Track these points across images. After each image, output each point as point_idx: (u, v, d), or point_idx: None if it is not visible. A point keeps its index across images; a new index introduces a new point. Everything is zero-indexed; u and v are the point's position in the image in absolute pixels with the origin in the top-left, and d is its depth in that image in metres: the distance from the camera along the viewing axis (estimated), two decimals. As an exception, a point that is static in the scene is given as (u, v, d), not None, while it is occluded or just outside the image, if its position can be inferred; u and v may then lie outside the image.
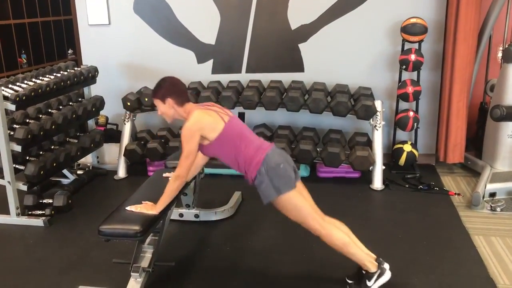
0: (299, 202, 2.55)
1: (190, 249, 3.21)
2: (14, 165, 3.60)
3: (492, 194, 3.76)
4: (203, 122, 2.51)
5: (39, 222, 3.58)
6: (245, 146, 2.54)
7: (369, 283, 2.59)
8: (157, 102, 2.61)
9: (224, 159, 2.62)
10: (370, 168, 4.05)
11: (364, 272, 2.62)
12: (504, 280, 2.75)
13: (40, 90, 3.71)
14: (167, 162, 3.32)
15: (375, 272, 2.59)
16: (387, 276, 2.60)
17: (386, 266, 2.62)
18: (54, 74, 4.14)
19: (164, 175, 3.01)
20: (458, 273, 2.83)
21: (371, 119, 4.12)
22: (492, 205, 3.62)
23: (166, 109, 2.60)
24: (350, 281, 2.69)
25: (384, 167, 4.11)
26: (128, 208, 2.55)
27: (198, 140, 2.50)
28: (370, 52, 4.46)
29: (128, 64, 4.86)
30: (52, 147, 4.04)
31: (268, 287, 2.78)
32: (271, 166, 2.50)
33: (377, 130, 4.12)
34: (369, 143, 4.20)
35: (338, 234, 2.58)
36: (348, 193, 4.01)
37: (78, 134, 4.40)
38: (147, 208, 2.54)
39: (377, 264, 2.61)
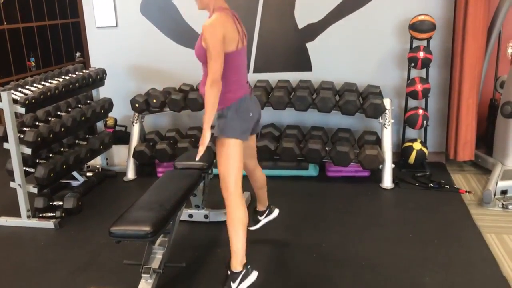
0: (235, 156, 2.55)
1: (200, 250, 3.21)
2: (24, 168, 3.62)
3: (504, 192, 3.72)
4: (227, 27, 2.43)
5: (49, 224, 3.60)
6: (232, 79, 2.53)
7: (233, 285, 2.51)
8: None
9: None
10: (380, 166, 4.03)
11: (229, 272, 2.54)
12: (517, 278, 2.72)
13: (49, 93, 3.73)
14: (176, 163, 3.33)
15: (239, 273, 2.52)
16: (252, 277, 2.56)
17: (254, 274, 2.58)
18: (63, 76, 4.16)
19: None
20: (470, 272, 2.80)
21: (380, 118, 4.10)
22: (504, 202, 3.59)
23: None
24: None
25: (393, 166, 4.09)
26: (198, 158, 2.51)
27: (222, 37, 2.38)
28: (378, 50, 4.44)
29: (136, 66, 4.87)
30: (62, 149, 4.06)
31: (279, 285, 2.77)
32: (241, 109, 2.55)
33: (386, 128, 4.10)
34: (378, 142, 4.18)
35: (242, 212, 2.55)
36: (357, 192, 3.99)
37: (87, 136, 4.41)
38: (203, 141, 2.44)
39: (244, 266, 2.55)
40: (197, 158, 2.51)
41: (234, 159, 2.55)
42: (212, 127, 2.46)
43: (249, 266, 2.57)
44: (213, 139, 2.59)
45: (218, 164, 2.60)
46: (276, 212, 3.23)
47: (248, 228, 2.64)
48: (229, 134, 2.53)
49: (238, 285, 2.51)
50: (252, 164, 2.98)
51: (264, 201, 3.19)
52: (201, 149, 2.47)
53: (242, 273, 2.53)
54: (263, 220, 3.21)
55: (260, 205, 3.20)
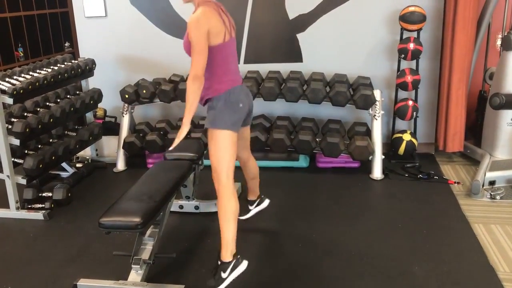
0: (228, 147, 2.55)
1: (191, 241, 3.21)
2: (12, 159, 3.59)
3: (492, 182, 3.76)
4: (212, 20, 2.43)
5: (39, 215, 3.58)
6: (221, 70, 2.54)
7: (223, 275, 2.51)
8: None
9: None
10: (370, 157, 4.05)
11: (219, 262, 2.55)
12: (504, 267, 2.76)
13: (37, 83, 3.70)
14: (167, 154, 3.32)
15: (230, 262, 2.53)
16: (242, 266, 2.57)
17: (244, 264, 2.59)
18: (51, 67, 4.12)
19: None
20: (458, 261, 2.83)
21: (370, 109, 4.11)
22: (492, 193, 3.62)
23: None
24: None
25: (383, 157, 4.11)
26: (171, 148, 2.57)
27: (206, 32, 2.39)
28: (368, 41, 4.44)
29: (126, 56, 4.83)
30: (51, 140, 4.03)
31: (269, 274, 2.79)
32: (231, 100, 2.54)
33: (376, 119, 4.11)
34: (368, 133, 4.20)
35: (233, 203, 2.56)
36: (347, 183, 4.01)
37: (76, 127, 4.38)
38: (180, 134, 2.49)
39: (235, 256, 2.56)
40: (171, 148, 2.58)
41: (225, 151, 2.55)
42: (204, 118, 2.47)
43: (239, 256, 2.58)
44: (205, 130, 2.60)
45: (210, 156, 2.60)
46: (266, 202, 3.26)
47: (239, 217, 2.64)
48: (220, 126, 2.53)
49: (228, 275, 2.52)
50: (245, 155, 3.00)
51: (255, 191, 3.22)
52: (176, 141, 2.51)
53: (232, 263, 2.54)
54: (254, 210, 3.25)
55: (251, 195, 3.23)
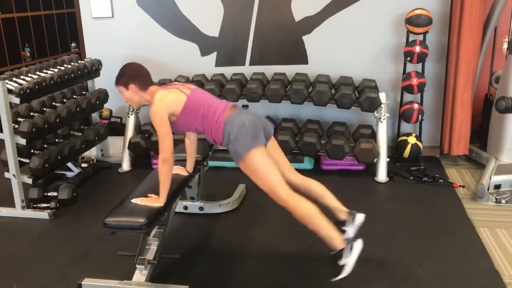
0: (265, 165, 2.50)
1: (195, 242, 3.22)
2: (19, 158, 3.61)
3: (497, 186, 3.75)
4: (167, 100, 2.54)
5: (44, 215, 3.60)
6: (210, 112, 2.56)
7: (340, 262, 2.49)
8: (121, 89, 2.63)
9: (194, 130, 2.66)
10: (375, 160, 4.05)
11: (332, 252, 2.52)
12: (510, 271, 2.74)
13: (44, 84, 3.72)
14: (172, 155, 3.32)
15: (343, 249, 2.50)
16: (357, 246, 2.52)
17: (359, 243, 2.54)
18: (58, 67, 4.14)
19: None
20: (463, 265, 2.82)
21: (376, 111, 4.11)
22: (497, 197, 3.61)
23: (131, 95, 2.62)
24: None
25: (388, 160, 4.10)
26: (133, 200, 2.56)
27: (167, 119, 2.51)
28: (374, 44, 4.44)
29: (132, 57, 4.80)
30: (57, 140, 4.05)
31: (273, 279, 2.79)
32: (236, 124, 2.52)
33: (381, 122, 4.11)
34: (373, 136, 4.19)
35: (306, 205, 2.50)
36: (352, 186, 4.01)
37: (82, 127, 4.40)
38: (152, 201, 2.54)
39: (344, 241, 2.52)
40: (134, 201, 2.54)
41: (264, 168, 2.50)
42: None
43: (347, 238, 2.52)
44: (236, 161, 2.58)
45: (256, 183, 2.56)
46: (360, 216, 2.74)
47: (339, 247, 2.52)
48: (244, 151, 2.49)
49: (346, 259, 2.48)
50: (293, 176, 2.74)
51: (339, 208, 2.77)
52: (140, 200, 2.53)
53: (345, 248, 2.50)
54: (349, 230, 2.68)
55: (339, 214, 2.76)
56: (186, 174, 2.93)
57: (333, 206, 2.76)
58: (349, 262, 2.49)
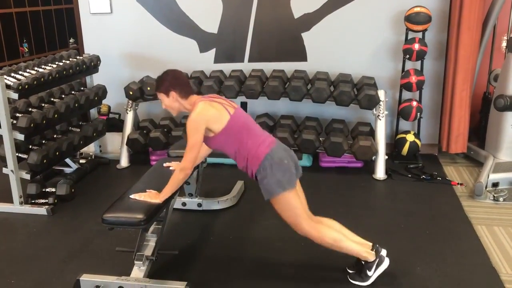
0: (296, 203, 2.52)
1: (193, 238, 3.22)
2: (17, 154, 3.60)
3: (495, 184, 3.75)
4: (208, 114, 2.47)
5: (42, 210, 3.59)
6: (249, 139, 2.50)
7: (369, 273, 2.61)
8: (161, 96, 2.58)
9: (227, 151, 2.59)
10: (373, 158, 4.05)
11: (363, 262, 2.63)
12: (507, 269, 2.75)
13: (42, 79, 3.71)
14: (170, 152, 3.32)
15: (374, 261, 2.60)
16: (385, 263, 2.62)
17: (384, 252, 2.64)
18: (56, 63, 4.13)
19: (165, 164, 3.01)
20: (461, 262, 2.83)
21: (374, 109, 4.11)
22: (495, 195, 3.62)
23: (171, 102, 2.57)
24: (350, 271, 2.71)
25: (386, 157, 4.11)
26: (132, 196, 2.56)
27: (203, 132, 2.46)
28: (373, 42, 4.44)
29: (130, 53, 4.84)
30: (55, 136, 4.04)
31: (270, 275, 2.79)
32: (275, 161, 2.46)
33: (380, 119, 4.11)
34: (372, 133, 4.20)
35: (330, 234, 2.57)
36: (350, 183, 4.01)
37: (80, 123, 4.39)
38: (151, 197, 2.54)
39: (374, 253, 2.61)
40: (133, 196, 2.55)
41: (295, 209, 2.52)
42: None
43: (381, 254, 2.63)
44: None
45: (285, 221, 2.58)
46: (387, 261, 2.64)
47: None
48: (278, 191, 2.47)
49: (373, 272, 2.62)
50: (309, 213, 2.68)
51: (363, 245, 2.65)
52: (144, 196, 2.54)
53: (376, 261, 2.61)
54: (374, 275, 2.63)
55: (364, 254, 2.62)
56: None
57: (355, 239, 2.69)
58: (374, 275, 2.62)
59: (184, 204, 3.55)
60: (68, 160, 4.27)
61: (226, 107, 2.52)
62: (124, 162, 4.50)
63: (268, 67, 4.55)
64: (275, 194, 2.48)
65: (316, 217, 2.63)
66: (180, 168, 2.53)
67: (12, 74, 3.66)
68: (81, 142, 4.17)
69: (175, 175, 2.55)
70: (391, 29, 4.38)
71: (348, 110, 4.42)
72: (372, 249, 2.63)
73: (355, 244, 2.61)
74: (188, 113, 2.54)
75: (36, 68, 3.90)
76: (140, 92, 4.43)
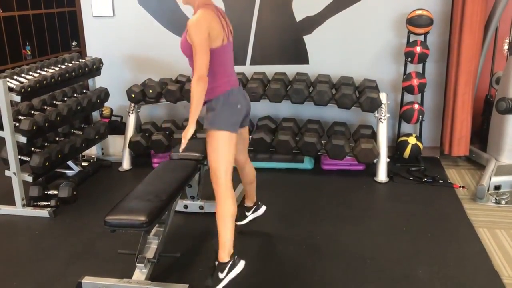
0: (226, 149, 2.55)
1: (195, 240, 3.22)
2: (19, 157, 3.61)
3: (497, 187, 3.75)
4: (212, 23, 2.45)
5: (44, 213, 3.60)
6: (220, 73, 2.55)
7: (221, 275, 2.54)
8: None
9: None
10: (375, 160, 4.05)
11: (217, 263, 2.58)
12: (509, 272, 2.75)
13: (45, 82, 3.72)
14: (172, 154, 3.33)
15: (228, 263, 2.56)
16: (239, 267, 2.58)
17: (241, 261, 2.60)
18: (59, 65, 4.14)
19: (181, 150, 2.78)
20: (463, 265, 2.83)
21: (376, 112, 4.11)
22: (497, 198, 3.61)
23: None
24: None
25: (388, 160, 4.10)
26: (180, 150, 2.56)
27: (207, 34, 2.40)
28: (375, 44, 4.44)
29: (133, 56, 4.85)
30: (57, 138, 4.05)
31: (272, 276, 2.79)
32: (229, 101, 2.55)
33: (382, 122, 4.11)
34: (373, 136, 4.20)
35: (231, 205, 2.58)
36: (352, 186, 4.01)
37: (82, 125, 4.40)
38: (185, 136, 2.48)
39: (231, 256, 2.58)
40: (180, 150, 2.56)
41: (223, 151, 2.55)
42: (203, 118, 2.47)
43: (236, 257, 2.59)
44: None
45: (208, 156, 2.61)
46: (263, 209, 3.25)
47: (235, 223, 2.66)
48: (218, 126, 2.53)
49: (226, 275, 2.54)
50: (243, 159, 2.98)
51: (252, 197, 3.21)
52: (184, 142, 2.51)
53: (230, 263, 2.56)
54: (250, 216, 3.23)
55: (248, 201, 3.23)
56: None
57: (250, 191, 3.15)
58: (226, 279, 2.54)
59: (186, 206, 3.55)
60: (70, 163, 4.28)
61: (225, 34, 2.55)
62: (126, 165, 4.51)
63: (270, 69, 4.56)
64: (214, 126, 2.53)
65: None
66: (197, 79, 2.40)
67: (15, 77, 3.68)
68: (83, 144, 4.19)
69: (194, 88, 2.41)
70: (393, 32, 4.39)
71: (350, 113, 4.42)
72: (232, 255, 2.59)
73: (232, 235, 2.58)
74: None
75: (38, 71, 3.91)
76: (142, 94, 4.44)
